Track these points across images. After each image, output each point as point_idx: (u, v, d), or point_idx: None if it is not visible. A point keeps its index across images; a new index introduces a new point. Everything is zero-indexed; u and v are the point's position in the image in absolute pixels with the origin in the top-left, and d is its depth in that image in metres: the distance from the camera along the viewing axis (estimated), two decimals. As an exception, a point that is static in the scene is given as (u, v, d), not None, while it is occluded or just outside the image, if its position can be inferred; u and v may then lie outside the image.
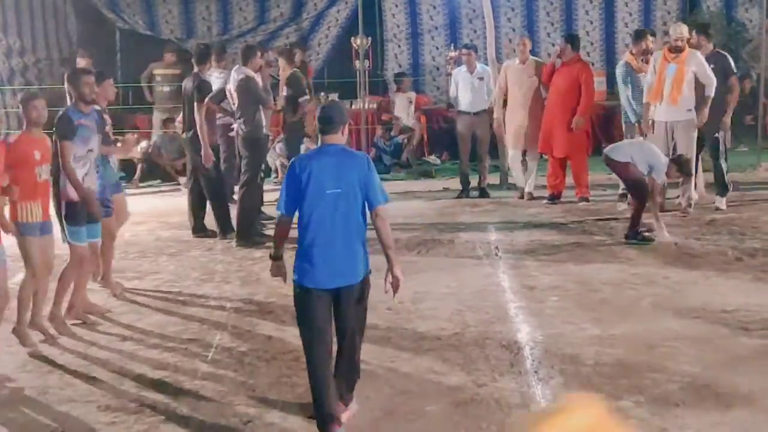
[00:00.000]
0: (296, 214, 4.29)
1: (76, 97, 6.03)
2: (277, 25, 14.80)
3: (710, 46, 9.34)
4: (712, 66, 8.97)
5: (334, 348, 4.33)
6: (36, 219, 5.54)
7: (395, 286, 4.32)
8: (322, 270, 4.17)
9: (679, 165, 8.23)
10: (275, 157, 12.06)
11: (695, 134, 8.93)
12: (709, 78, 8.84)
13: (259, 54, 8.69)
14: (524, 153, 10.53)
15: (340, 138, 4.35)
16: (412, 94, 13.54)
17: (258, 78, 8.58)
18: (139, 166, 12.10)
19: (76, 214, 5.95)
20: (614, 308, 6.06)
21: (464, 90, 10.56)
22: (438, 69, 14.66)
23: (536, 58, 10.74)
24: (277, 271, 4.50)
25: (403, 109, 13.34)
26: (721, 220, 8.70)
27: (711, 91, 8.81)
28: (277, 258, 4.47)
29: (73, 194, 5.92)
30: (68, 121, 5.88)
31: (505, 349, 5.31)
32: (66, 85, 6.38)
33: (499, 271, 7.11)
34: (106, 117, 6.87)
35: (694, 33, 9.38)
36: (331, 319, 4.26)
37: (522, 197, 10.29)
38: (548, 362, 5.06)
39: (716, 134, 9.22)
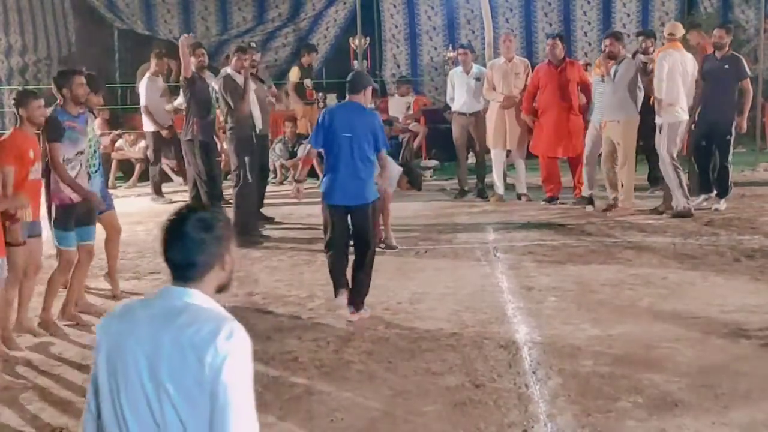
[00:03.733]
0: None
1: (67, 98, 5.89)
2: (276, 26, 14.79)
3: (726, 47, 9.18)
4: (726, 66, 8.96)
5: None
6: (23, 219, 5.30)
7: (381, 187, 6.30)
8: (337, 192, 5.82)
9: (409, 175, 8.25)
10: (275, 158, 12.04)
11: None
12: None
13: (238, 54, 8.71)
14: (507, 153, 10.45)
15: (361, 98, 5.92)
16: (411, 99, 13.53)
17: (238, 77, 8.58)
18: (137, 166, 12.08)
19: (66, 217, 5.84)
20: (613, 309, 6.06)
21: (460, 91, 10.51)
22: (436, 69, 14.65)
23: (522, 58, 10.67)
24: (297, 190, 6.23)
25: (400, 112, 13.33)
26: (719, 221, 8.69)
27: (653, 92, 8.87)
28: (298, 181, 6.31)
29: (64, 197, 5.81)
30: (55, 122, 5.75)
31: (504, 349, 5.31)
32: (54, 87, 6.03)
33: (498, 272, 7.11)
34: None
35: (724, 32, 9.15)
36: (346, 228, 5.90)
37: (501, 200, 10.16)
38: (546, 363, 5.06)
39: (727, 137, 9.10)
